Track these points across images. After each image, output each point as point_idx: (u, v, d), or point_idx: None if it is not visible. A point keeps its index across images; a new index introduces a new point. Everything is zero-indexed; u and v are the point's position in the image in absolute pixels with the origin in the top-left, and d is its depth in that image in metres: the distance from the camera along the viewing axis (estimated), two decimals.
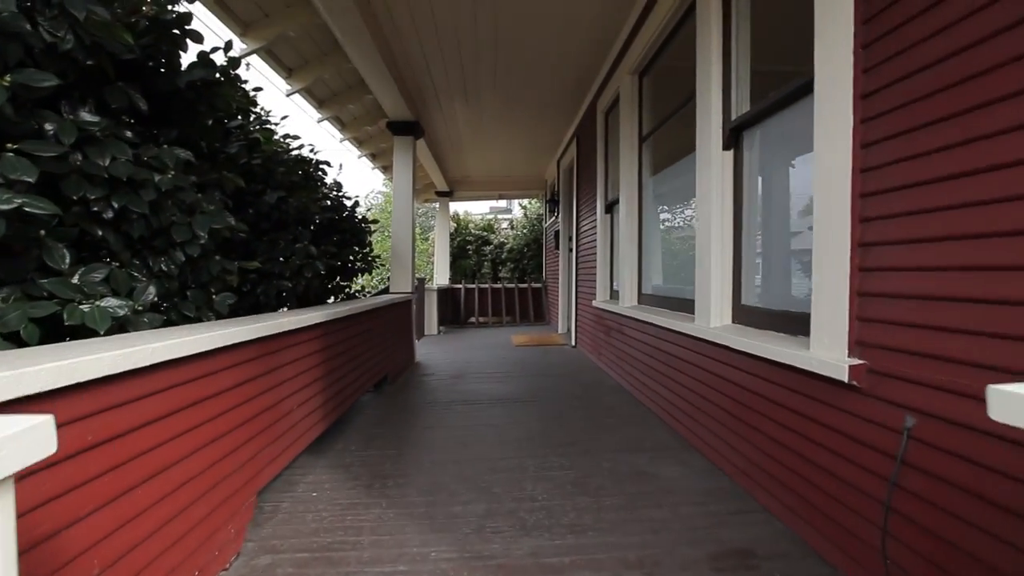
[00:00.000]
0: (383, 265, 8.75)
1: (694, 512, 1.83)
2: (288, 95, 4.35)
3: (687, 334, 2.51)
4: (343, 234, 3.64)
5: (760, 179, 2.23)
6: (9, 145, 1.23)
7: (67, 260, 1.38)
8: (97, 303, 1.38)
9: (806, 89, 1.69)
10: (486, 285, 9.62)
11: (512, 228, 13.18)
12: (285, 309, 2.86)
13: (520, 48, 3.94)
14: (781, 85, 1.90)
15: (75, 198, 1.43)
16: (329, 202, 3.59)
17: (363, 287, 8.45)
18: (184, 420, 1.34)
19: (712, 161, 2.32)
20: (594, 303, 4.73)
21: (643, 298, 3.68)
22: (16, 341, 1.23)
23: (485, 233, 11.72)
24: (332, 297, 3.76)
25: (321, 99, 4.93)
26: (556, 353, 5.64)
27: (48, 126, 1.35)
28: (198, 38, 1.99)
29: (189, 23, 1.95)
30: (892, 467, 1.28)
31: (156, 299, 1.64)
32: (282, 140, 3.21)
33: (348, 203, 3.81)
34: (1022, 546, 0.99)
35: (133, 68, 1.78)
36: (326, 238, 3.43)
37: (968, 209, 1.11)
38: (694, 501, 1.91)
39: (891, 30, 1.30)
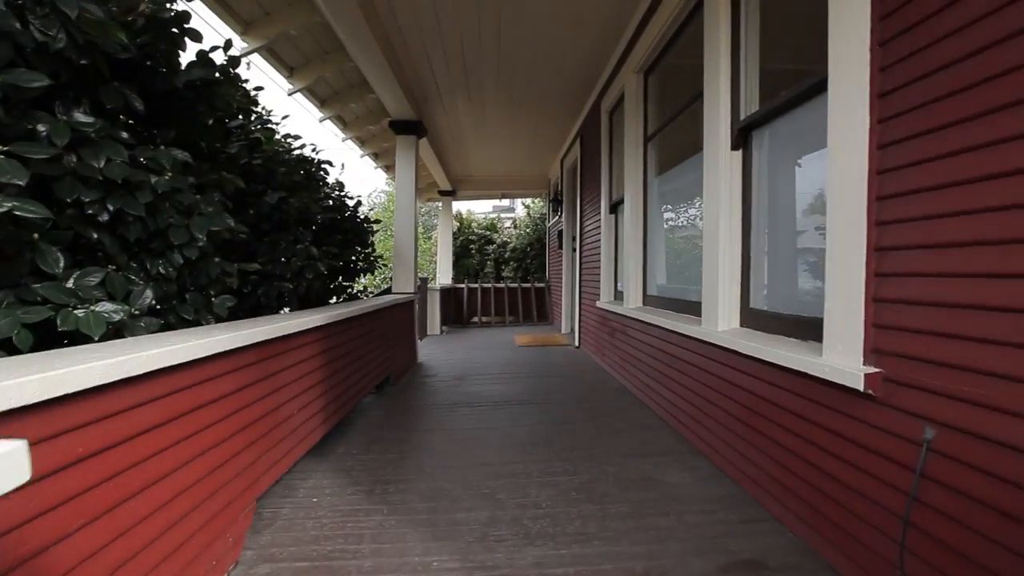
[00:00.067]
0: (386, 265, 8.74)
1: (702, 521, 1.79)
2: (290, 94, 4.32)
3: (694, 337, 2.46)
4: (345, 234, 3.62)
5: (769, 180, 2.18)
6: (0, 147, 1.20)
7: (61, 264, 1.35)
8: (92, 308, 1.35)
9: (819, 88, 1.64)
10: (489, 285, 9.57)
11: (515, 227, 13.11)
12: (286, 311, 2.83)
13: (523, 46, 3.89)
14: (792, 84, 1.85)
15: (69, 201, 1.40)
16: (331, 202, 3.57)
17: (365, 287, 8.42)
18: (180, 428, 1.31)
19: (720, 161, 2.28)
20: (598, 303, 4.69)
21: (648, 299, 3.64)
22: (8, 348, 1.20)
23: (488, 232, 11.68)
24: (334, 297, 3.73)
25: (323, 98, 4.90)
26: (559, 354, 5.60)
27: (41, 127, 1.32)
28: (197, 37, 1.96)
29: (188, 21, 1.92)
30: (909, 479, 1.24)
31: (153, 302, 1.61)
32: (283, 140, 3.18)
33: (350, 203, 3.79)
34: None
35: (130, 67, 1.74)
36: (328, 238, 3.41)
37: (992, 214, 1.06)
38: (702, 509, 1.87)
39: (912, 26, 1.24)
